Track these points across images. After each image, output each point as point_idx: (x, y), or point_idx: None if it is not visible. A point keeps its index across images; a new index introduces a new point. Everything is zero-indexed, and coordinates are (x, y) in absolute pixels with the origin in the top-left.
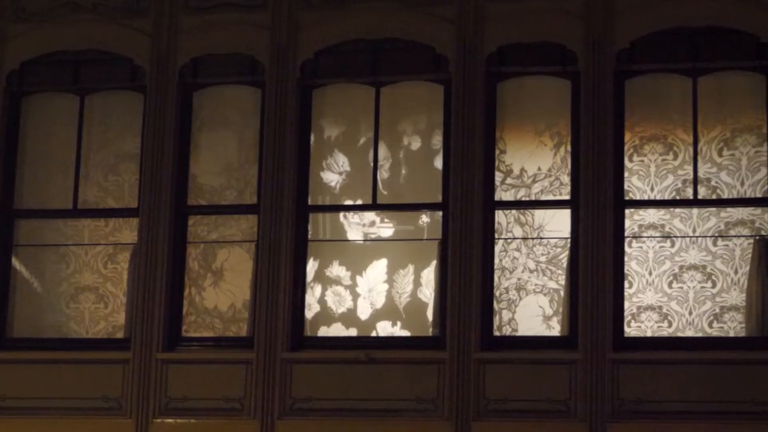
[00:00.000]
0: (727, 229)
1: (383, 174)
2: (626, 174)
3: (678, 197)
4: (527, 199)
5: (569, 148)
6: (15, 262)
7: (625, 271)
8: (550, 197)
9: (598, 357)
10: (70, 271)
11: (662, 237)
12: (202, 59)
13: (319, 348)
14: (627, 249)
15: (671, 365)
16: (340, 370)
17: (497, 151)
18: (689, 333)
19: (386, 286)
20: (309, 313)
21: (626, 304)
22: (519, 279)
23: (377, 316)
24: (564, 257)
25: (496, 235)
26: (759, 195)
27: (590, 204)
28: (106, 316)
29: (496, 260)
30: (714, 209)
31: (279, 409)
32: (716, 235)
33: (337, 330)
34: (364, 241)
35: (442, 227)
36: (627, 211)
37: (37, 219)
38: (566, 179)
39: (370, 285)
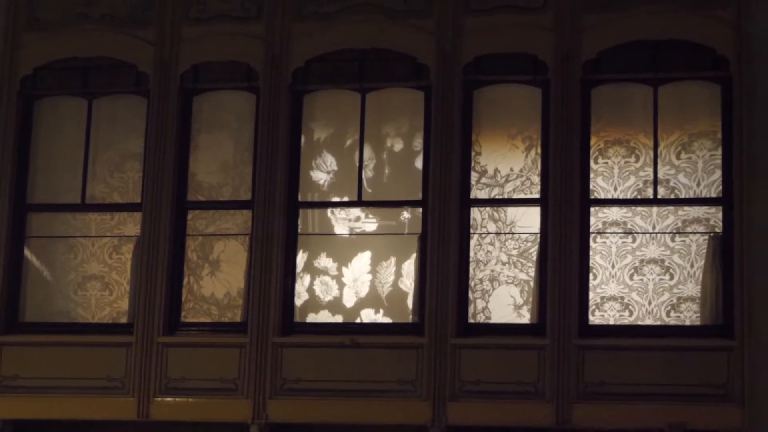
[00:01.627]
0: (684, 227)
1: (368, 173)
2: (592, 175)
3: (639, 196)
4: (500, 197)
5: (539, 150)
6: (27, 253)
7: (590, 264)
8: (522, 196)
9: (564, 343)
10: (78, 260)
11: (624, 233)
12: (202, 66)
13: (307, 333)
14: (592, 244)
15: (632, 351)
16: (327, 353)
17: (473, 153)
18: (648, 321)
19: (370, 277)
20: (298, 301)
21: (591, 295)
22: (492, 271)
23: (361, 304)
24: (534, 251)
25: (472, 230)
26: (714, 195)
27: (558, 202)
28: (110, 303)
29: (471, 253)
30: (672, 208)
31: (270, 389)
32: (674, 231)
33: (324, 317)
34: (349, 235)
35: (422, 223)
36: (592, 209)
37: (48, 213)
38: (536, 179)
39: (354, 275)
